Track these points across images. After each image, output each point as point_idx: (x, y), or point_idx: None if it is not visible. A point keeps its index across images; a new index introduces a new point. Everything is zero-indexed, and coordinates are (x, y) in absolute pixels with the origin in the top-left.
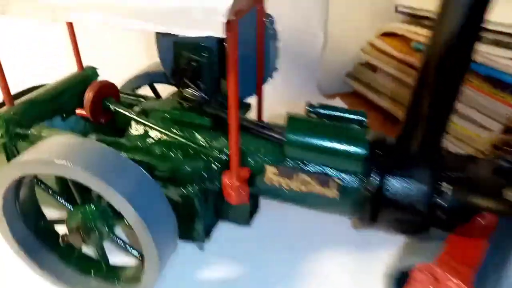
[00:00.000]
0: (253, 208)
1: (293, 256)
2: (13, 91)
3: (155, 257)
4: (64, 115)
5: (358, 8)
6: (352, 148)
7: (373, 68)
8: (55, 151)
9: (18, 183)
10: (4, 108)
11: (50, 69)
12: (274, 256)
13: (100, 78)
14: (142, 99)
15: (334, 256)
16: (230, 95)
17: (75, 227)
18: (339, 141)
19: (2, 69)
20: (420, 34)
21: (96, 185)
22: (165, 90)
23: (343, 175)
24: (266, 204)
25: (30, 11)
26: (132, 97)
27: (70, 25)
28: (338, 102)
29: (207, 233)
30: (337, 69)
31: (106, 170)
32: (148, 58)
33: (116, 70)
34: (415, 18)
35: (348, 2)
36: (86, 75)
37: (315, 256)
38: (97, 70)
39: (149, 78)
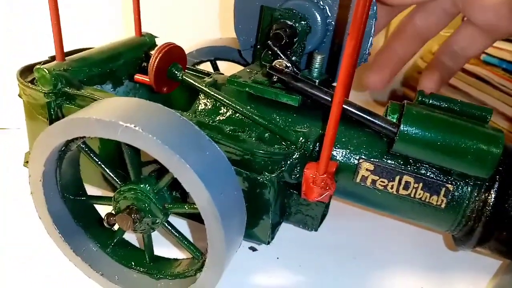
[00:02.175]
0: (325, 211)
1: (356, 269)
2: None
3: (222, 252)
4: (116, 82)
5: None
6: (486, 148)
7: None
8: (121, 113)
9: (63, 150)
10: (54, 63)
11: (101, 31)
12: (336, 267)
13: None
14: (204, 74)
15: (399, 274)
16: (342, 72)
17: (125, 208)
18: (472, 139)
19: (58, 18)
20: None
21: (168, 159)
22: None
23: (460, 181)
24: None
25: None
26: (195, 72)
27: None
28: None
29: (271, 233)
30: None
31: (183, 142)
32: (214, 29)
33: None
34: None
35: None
36: (144, 42)
37: (379, 273)
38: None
39: (213, 54)
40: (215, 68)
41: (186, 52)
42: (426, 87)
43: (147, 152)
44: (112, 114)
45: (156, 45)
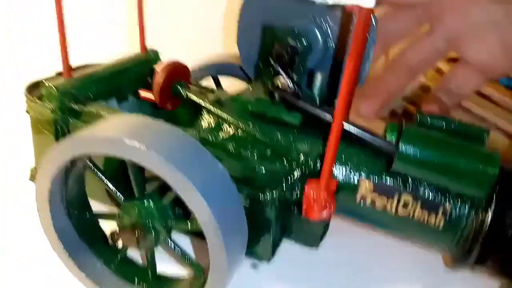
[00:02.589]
0: (326, 228)
1: (356, 286)
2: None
3: (224, 269)
4: (121, 98)
5: None
6: (483, 169)
7: None
8: (126, 131)
9: (70, 166)
10: (61, 80)
11: (106, 46)
12: (337, 284)
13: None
14: (208, 91)
15: None
16: (342, 92)
17: (129, 225)
18: (468, 159)
19: (65, 35)
20: None
21: (172, 176)
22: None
23: (458, 201)
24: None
25: None
26: (198, 88)
27: (140, 3)
28: None
29: (272, 250)
30: None
31: (186, 160)
32: (217, 45)
33: (178, 56)
34: None
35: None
36: (148, 58)
37: None
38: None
39: (215, 69)
40: (217, 83)
41: (189, 67)
42: None
43: (151, 170)
44: (118, 132)
45: (160, 60)
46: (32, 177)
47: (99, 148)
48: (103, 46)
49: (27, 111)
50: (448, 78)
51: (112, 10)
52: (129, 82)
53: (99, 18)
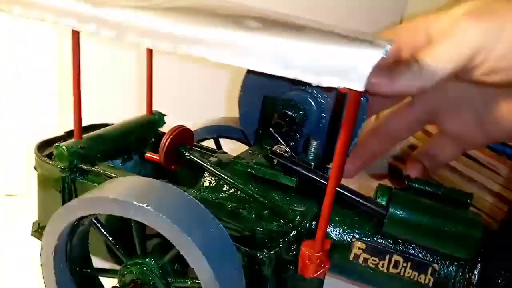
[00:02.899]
0: (320, 285)
1: None
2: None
3: None
4: (126, 157)
5: None
6: (467, 233)
7: None
8: (135, 193)
9: (76, 225)
10: (72, 140)
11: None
12: None
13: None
14: (210, 152)
15: None
16: (336, 160)
17: (130, 281)
18: (454, 224)
19: (80, 99)
20: None
21: (176, 237)
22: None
23: (445, 261)
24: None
25: None
26: (200, 149)
27: (150, 69)
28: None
29: None
30: None
31: (191, 222)
32: (219, 110)
33: (180, 118)
34: None
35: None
36: (154, 120)
37: None
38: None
39: (217, 131)
40: (218, 145)
41: (192, 129)
42: (411, 175)
43: (157, 230)
44: (126, 194)
45: (165, 123)
46: (35, 233)
47: (109, 209)
48: (113, 106)
49: (34, 168)
50: (427, 146)
51: (123, 76)
52: (134, 142)
53: (109, 80)
